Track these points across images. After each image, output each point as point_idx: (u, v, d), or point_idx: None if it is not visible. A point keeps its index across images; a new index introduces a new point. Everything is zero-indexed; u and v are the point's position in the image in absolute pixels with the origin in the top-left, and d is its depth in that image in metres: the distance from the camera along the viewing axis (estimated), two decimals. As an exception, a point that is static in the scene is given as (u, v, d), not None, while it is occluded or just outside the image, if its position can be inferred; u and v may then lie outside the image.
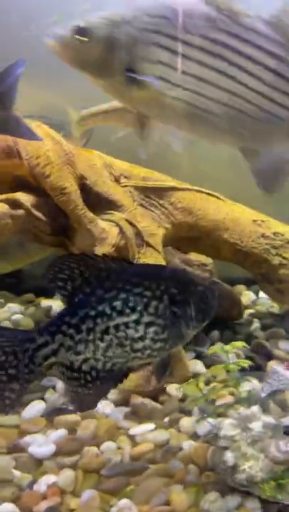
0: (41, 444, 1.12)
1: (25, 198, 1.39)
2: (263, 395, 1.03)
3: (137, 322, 0.98)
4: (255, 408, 0.97)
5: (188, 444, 1.12)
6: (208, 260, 1.99)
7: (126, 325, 0.99)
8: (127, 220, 1.57)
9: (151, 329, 0.99)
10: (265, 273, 1.74)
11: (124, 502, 0.97)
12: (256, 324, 1.90)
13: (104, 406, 1.29)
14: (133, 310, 0.99)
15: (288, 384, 1.00)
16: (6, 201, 1.28)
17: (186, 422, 1.20)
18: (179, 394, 1.30)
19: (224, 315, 1.90)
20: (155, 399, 1.32)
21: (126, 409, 1.28)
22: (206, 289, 1.07)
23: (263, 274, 1.75)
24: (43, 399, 1.30)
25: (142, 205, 1.67)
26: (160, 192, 1.72)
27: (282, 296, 1.77)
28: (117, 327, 0.98)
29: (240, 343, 1.19)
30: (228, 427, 0.96)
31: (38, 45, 1.02)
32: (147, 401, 1.28)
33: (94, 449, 1.11)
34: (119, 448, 1.14)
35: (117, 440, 1.17)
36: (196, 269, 1.98)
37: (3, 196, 1.29)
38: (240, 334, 1.82)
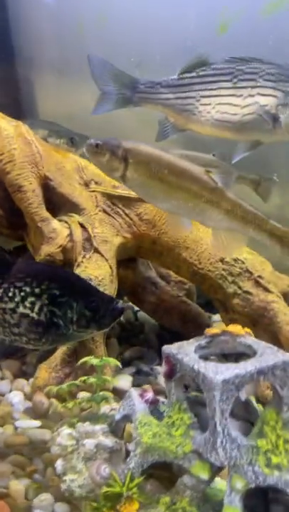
0: None
1: (-22, 190, 1.53)
2: (118, 416, 1.03)
3: (13, 311, 1.10)
4: (97, 427, 0.99)
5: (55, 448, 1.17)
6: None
7: (4, 310, 1.12)
8: (79, 223, 1.63)
9: (25, 320, 1.10)
10: (221, 300, 1.67)
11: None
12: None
13: (15, 396, 1.37)
14: (11, 300, 1.11)
15: (133, 411, 0.99)
16: None
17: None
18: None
19: (185, 338, 1.86)
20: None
21: (28, 404, 1.35)
22: (100, 299, 1.13)
23: (219, 300, 1.69)
24: None
25: (105, 211, 1.71)
26: (128, 201, 1.73)
27: (234, 326, 1.69)
28: None
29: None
30: (65, 436, 0.99)
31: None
32: (46, 400, 1.32)
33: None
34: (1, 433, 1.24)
35: (4, 426, 1.26)
36: (172, 286, 1.96)
37: None
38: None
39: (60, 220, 1.64)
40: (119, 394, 1.37)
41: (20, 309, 1.10)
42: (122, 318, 2.09)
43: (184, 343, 1.02)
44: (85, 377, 1.11)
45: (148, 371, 1.62)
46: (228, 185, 1.13)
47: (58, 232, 1.59)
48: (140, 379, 1.56)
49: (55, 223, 1.60)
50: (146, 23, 1.94)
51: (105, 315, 1.12)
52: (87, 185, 1.73)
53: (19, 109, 2.21)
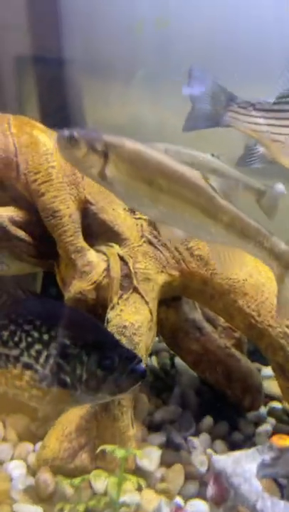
0: None
1: (8, 212, 1.33)
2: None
3: (17, 359, 0.93)
4: None
5: None
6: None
7: (7, 357, 0.95)
8: (119, 255, 1.39)
9: (28, 372, 0.92)
10: (281, 363, 1.36)
11: None
12: (268, 426, 1.46)
13: (15, 467, 1.14)
14: (16, 345, 0.94)
15: None
16: (-22, 213, 1.25)
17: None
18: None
19: (231, 400, 1.56)
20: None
21: (30, 480, 1.11)
22: (118, 356, 0.91)
23: (279, 363, 1.37)
24: None
25: (150, 242, 1.46)
26: (178, 232, 1.49)
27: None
28: (0, 356, 0.95)
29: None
30: None
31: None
32: (51, 481, 1.05)
33: None
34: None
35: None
36: (220, 333, 1.67)
37: (-24, 208, 1.26)
38: (240, 433, 1.43)
39: (97, 251, 1.41)
40: (142, 474, 1.10)
41: (25, 358, 0.93)
42: (156, 364, 1.82)
43: (242, 455, 0.74)
44: (106, 474, 0.85)
45: (181, 443, 1.33)
46: (230, 196, 0.95)
47: (93, 266, 1.36)
48: (170, 455, 1.27)
49: (91, 255, 1.38)
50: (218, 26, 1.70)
51: (121, 377, 0.89)
52: (132, 211, 1.49)
53: (66, 116, 2.02)
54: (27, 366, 0.93)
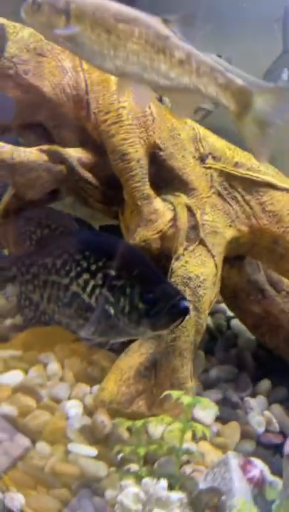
0: None
1: (76, 153, 1.29)
2: (202, 485, 0.75)
3: (67, 288, 0.96)
4: (174, 496, 0.71)
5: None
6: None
7: (58, 285, 0.98)
8: (187, 206, 1.32)
9: (76, 301, 0.95)
10: None
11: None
12: None
13: (72, 406, 1.13)
14: (67, 274, 0.97)
15: (229, 489, 0.68)
16: (47, 152, 1.21)
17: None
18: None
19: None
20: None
21: (86, 420, 1.10)
22: (161, 291, 0.90)
23: None
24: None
25: (219, 194, 1.37)
26: (250, 185, 1.38)
27: None
28: (53, 284, 0.99)
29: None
30: (130, 496, 0.73)
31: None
32: (108, 422, 1.05)
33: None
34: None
35: (54, 446, 1.04)
36: (283, 298, 1.57)
37: (46, 146, 1.22)
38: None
39: (163, 200, 1.35)
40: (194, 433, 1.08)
41: (74, 287, 0.95)
42: (210, 323, 1.77)
43: None
44: (170, 420, 0.82)
45: (237, 402, 1.29)
46: (191, 38, 0.95)
47: (159, 215, 1.30)
48: (226, 412, 1.24)
49: (157, 203, 1.31)
50: None
51: (162, 312, 0.88)
52: (202, 160, 1.40)
53: None
54: (75, 295, 0.94)
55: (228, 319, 1.77)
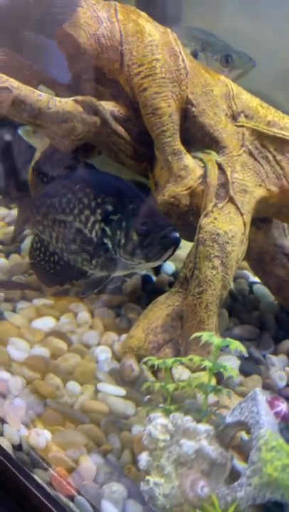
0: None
1: (109, 106, 1.29)
2: (229, 419, 0.78)
3: (71, 225, 1.03)
4: (201, 427, 0.74)
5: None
6: None
7: (64, 223, 1.06)
8: (217, 163, 1.31)
9: (79, 237, 1.01)
10: None
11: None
12: None
13: (102, 351, 1.18)
14: (71, 212, 1.04)
15: (256, 422, 0.71)
16: (82, 103, 1.21)
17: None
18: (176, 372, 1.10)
19: None
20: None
21: (115, 364, 1.15)
22: (153, 224, 0.97)
23: None
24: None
25: (250, 153, 1.36)
26: (283, 145, 1.36)
27: None
28: (60, 222, 1.06)
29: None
30: (158, 427, 0.77)
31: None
32: (136, 366, 1.10)
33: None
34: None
35: (84, 385, 1.08)
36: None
37: (80, 97, 1.22)
38: None
39: (193, 157, 1.34)
40: (219, 380, 1.11)
41: (77, 224, 1.02)
42: (232, 286, 1.79)
43: None
44: (199, 358, 0.85)
45: (259, 358, 1.32)
46: None
47: (189, 171, 1.30)
48: (248, 366, 1.27)
49: (188, 159, 1.31)
50: None
51: (154, 243, 0.95)
52: (234, 118, 1.38)
53: (162, 11, 1.82)
54: (78, 231, 1.00)
55: (251, 285, 1.78)
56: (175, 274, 1.71)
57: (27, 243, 1.61)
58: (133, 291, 1.51)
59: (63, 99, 1.19)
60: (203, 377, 1.03)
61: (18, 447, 0.97)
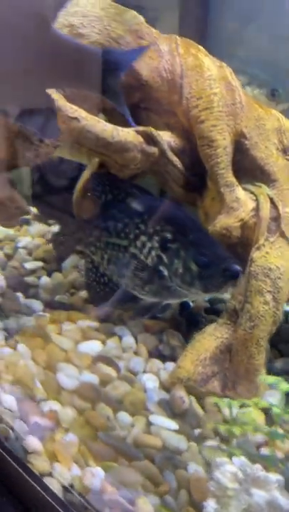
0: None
1: (166, 137, 1.31)
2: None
3: (126, 249, 1.06)
4: (272, 477, 0.74)
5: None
6: None
7: (118, 247, 1.08)
8: (270, 197, 1.32)
9: (134, 262, 1.03)
10: None
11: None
12: None
13: (149, 379, 1.17)
14: (126, 236, 1.06)
15: None
16: (142, 133, 1.23)
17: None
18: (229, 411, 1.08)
19: None
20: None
21: (163, 394, 1.14)
22: (213, 255, 0.99)
23: None
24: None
25: (301, 188, 1.37)
26: None
27: None
28: (113, 246, 1.09)
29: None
30: (227, 474, 0.76)
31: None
32: (186, 398, 1.09)
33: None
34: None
35: (135, 417, 1.06)
36: None
37: (141, 128, 1.24)
38: None
39: (244, 189, 1.35)
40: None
41: (132, 249, 1.04)
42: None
43: None
44: (267, 403, 0.84)
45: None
46: None
47: (241, 203, 1.31)
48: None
49: (240, 192, 1.32)
50: None
51: (214, 275, 0.96)
52: (285, 152, 1.40)
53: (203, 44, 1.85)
54: (133, 256, 1.03)
55: (287, 313, 1.77)
56: (210, 300, 1.71)
57: (68, 262, 1.62)
58: (172, 316, 1.51)
59: (125, 129, 1.21)
60: (253, 413, 1.02)
61: (68, 488, 0.91)
